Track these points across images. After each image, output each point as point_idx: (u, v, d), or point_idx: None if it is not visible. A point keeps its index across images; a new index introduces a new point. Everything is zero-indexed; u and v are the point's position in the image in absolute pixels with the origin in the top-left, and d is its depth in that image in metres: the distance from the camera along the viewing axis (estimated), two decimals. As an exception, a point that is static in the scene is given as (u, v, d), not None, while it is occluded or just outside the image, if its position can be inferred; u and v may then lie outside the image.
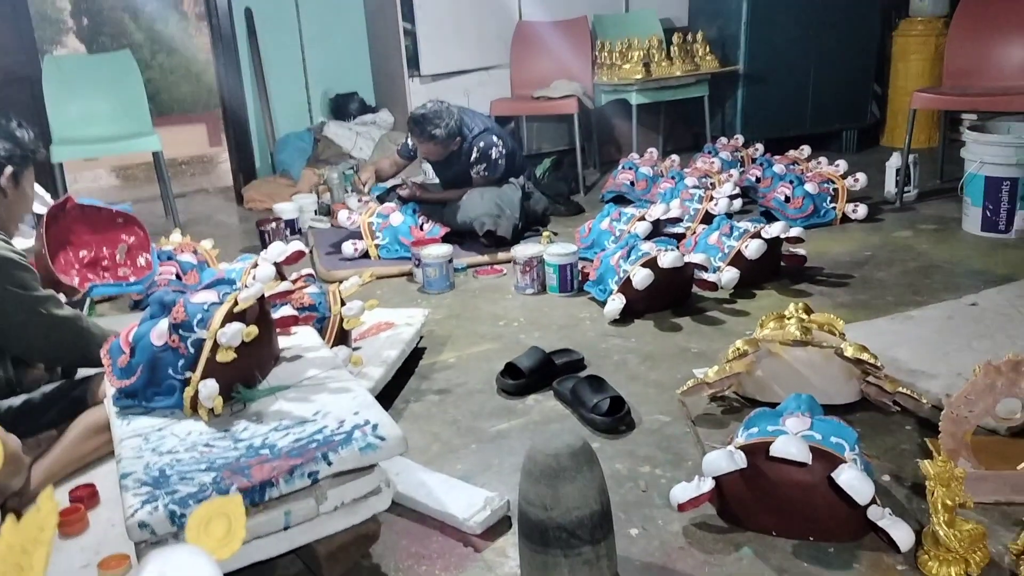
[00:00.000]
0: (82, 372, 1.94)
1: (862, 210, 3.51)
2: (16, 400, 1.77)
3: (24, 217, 2.04)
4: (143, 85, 4.26)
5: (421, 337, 2.56)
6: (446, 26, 4.65)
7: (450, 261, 3.11)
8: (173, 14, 10.43)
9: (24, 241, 2.54)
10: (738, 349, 2.00)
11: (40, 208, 2.58)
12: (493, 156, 3.55)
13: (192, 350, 1.55)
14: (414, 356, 2.47)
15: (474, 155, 3.56)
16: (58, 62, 4.44)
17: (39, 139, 1.98)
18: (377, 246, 3.42)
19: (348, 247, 3.42)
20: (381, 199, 3.75)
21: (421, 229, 3.41)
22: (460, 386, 2.30)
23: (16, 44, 4.55)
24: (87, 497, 1.63)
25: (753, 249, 2.77)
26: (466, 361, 2.47)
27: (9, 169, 1.86)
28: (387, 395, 2.22)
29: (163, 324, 1.58)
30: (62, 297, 2.26)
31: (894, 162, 3.78)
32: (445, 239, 3.34)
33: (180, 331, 1.55)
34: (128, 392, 1.57)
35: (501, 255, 3.33)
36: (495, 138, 3.58)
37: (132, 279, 2.67)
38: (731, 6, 4.66)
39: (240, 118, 4.97)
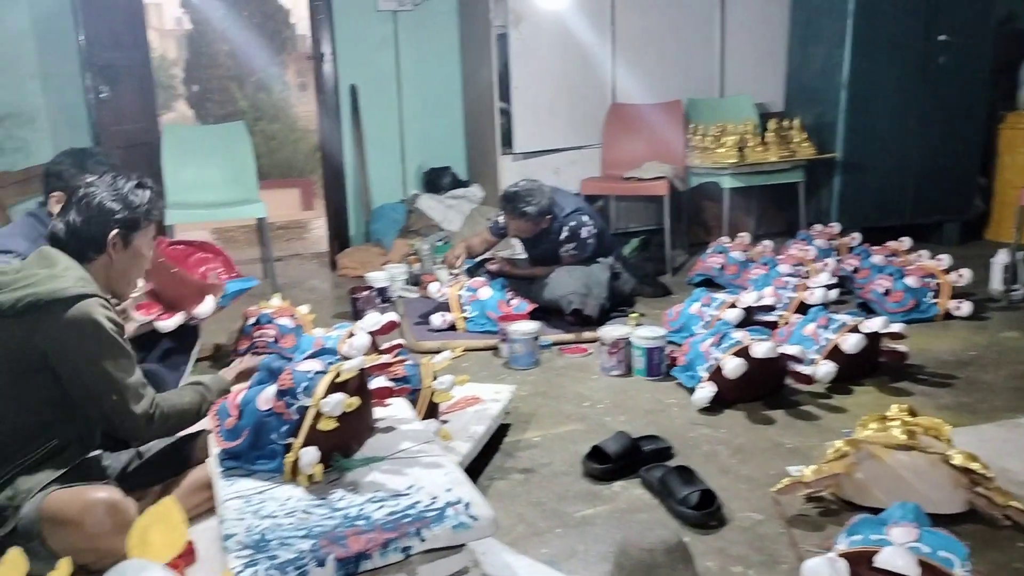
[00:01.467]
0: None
1: (966, 307, 3.39)
2: (124, 455, 1.84)
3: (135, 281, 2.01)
4: (253, 155, 4.49)
5: (508, 413, 2.56)
6: (540, 106, 4.78)
7: (536, 338, 3.12)
8: (277, 84, 11.05)
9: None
10: (838, 449, 1.94)
11: None
12: (583, 236, 3.59)
13: (296, 416, 1.60)
14: (499, 432, 2.47)
15: (564, 234, 3.60)
16: (176, 130, 4.74)
17: (159, 197, 1.92)
18: (465, 319, 3.47)
19: (437, 318, 3.48)
20: (471, 272, 3.81)
21: (509, 304, 3.45)
22: (545, 466, 2.28)
23: (140, 112, 4.88)
24: (185, 554, 1.66)
25: (852, 343, 2.69)
26: (551, 441, 2.45)
27: (115, 231, 1.80)
28: (472, 471, 2.21)
29: (270, 390, 1.63)
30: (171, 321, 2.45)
31: (1001, 258, 3.65)
32: (532, 315, 3.37)
33: (286, 397, 1.60)
34: (233, 454, 1.62)
35: (587, 334, 3.33)
36: (586, 218, 3.62)
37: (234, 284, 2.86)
38: (829, 94, 4.65)
39: (338, 187, 5.17)
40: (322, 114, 5.14)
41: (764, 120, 4.69)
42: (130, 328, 2.41)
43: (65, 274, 1.68)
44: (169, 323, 2.60)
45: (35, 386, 1.64)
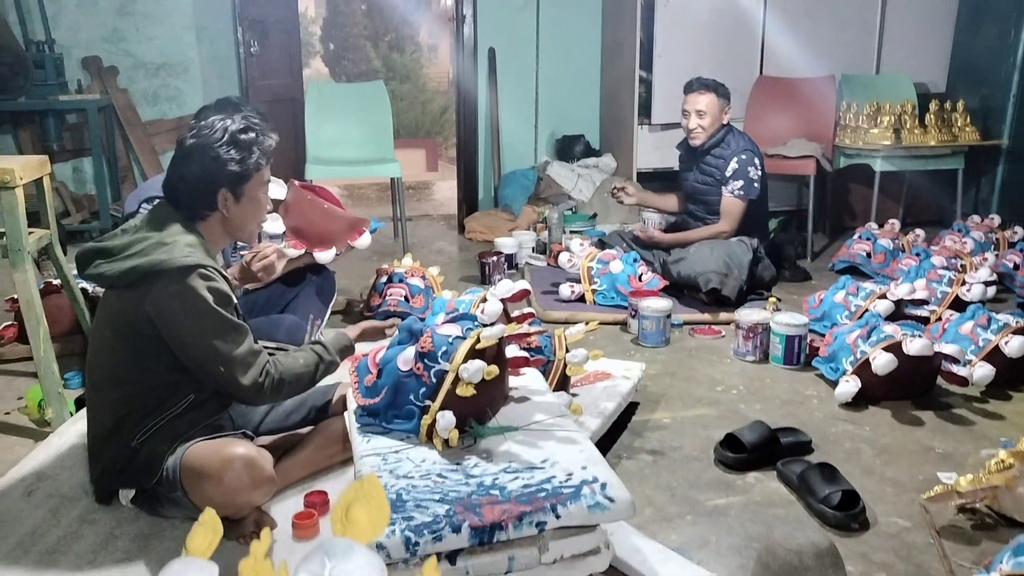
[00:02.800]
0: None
1: None
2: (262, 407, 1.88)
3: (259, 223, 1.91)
4: (391, 115, 4.55)
5: (636, 391, 2.50)
6: (683, 76, 4.57)
7: (668, 316, 3.03)
8: (410, 44, 11.16)
9: (275, 189, 2.69)
10: (1002, 461, 1.78)
11: (281, 193, 2.73)
12: (751, 175, 3.48)
13: (434, 380, 1.59)
14: (628, 410, 2.41)
15: (732, 166, 3.49)
16: (319, 87, 4.84)
17: (266, 137, 1.78)
18: (594, 291, 3.41)
19: (565, 289, 3.43)
20: (602, 243, 3.74)
21: (640, 279, 3.36)
22: (675, 450, 2.22)
23: (286, 68, 5.02)
24: (320, 504, 1.70)
25: (1015, 346, 2.48)
26: (681, 423, 2.38)
27: (223, 189, 1.73)
28: (600, 447, 2.16)
29: (410, 351, 1.63)
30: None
31: None
32: (663, 292, 3.27)
33: (425, 360, 1.60)
34: (370, 411, 1.63)
35: (723, 316, 3.21)
36: (757, 160, 3.51)
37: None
38: (999, 75, 4.30)
39: (471, 150, 5.18)
40: (460, 75, 5.14)
41: (923, 101, 4.37)
42: (280, 265, 2.46)
43: (171, 240, 1.64)
44: (327, 255, 2.67)
45: (156, 351, 1.64)
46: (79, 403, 2.27)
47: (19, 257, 2.24)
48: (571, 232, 4.22)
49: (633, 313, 3.10)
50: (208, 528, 1.12)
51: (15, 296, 2.79)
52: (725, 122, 3.58)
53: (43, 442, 2.09)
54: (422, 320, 1.86)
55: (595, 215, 4.64)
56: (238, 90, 4.65)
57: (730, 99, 3.60)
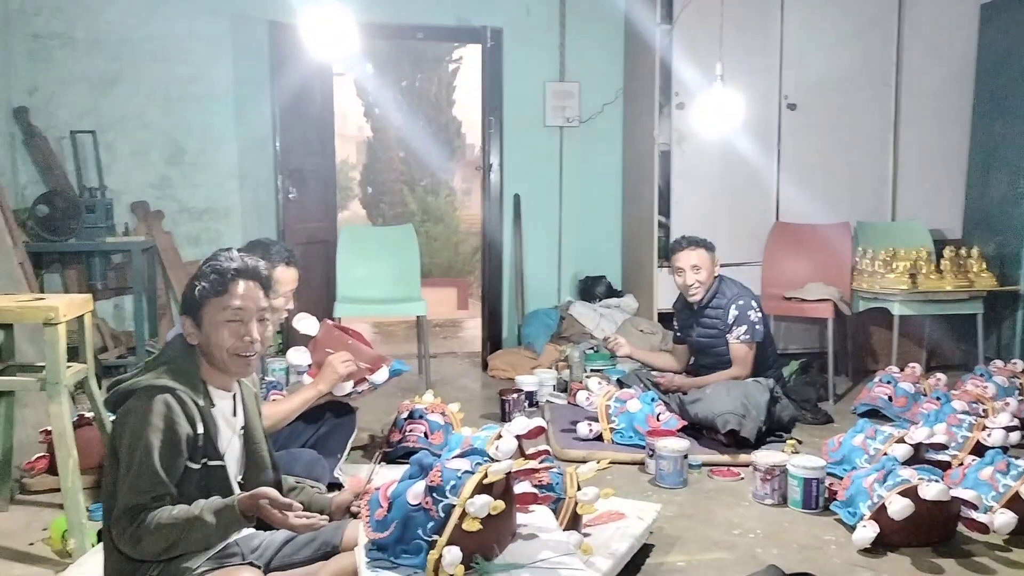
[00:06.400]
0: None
1: None
2: (278, 536, 1.91)
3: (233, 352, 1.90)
4: (419, 257, 4.74)
5: (651, 533, 2.49)
6: (701, 221, 4.77)
7: (686, 456, 3.04)
8: (444, 188, 11.67)
9: (308, 325, 2.86)
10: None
11: (314, 329, 2.88)
12: (752, 319, 3.55)
13: (442, 514, 1.63)
14: (642, 552, 2.39)
15: (733, 314, 3.57)
16: (352, 231, 5.09)
17: (226, 262, 1.87)
18: (612, 430, 3.43)
19: (583, 428, 3.46)
20: (621, 383, 3.79)
21: (658, 419, 3.38)
22: (688, 594, 2.19)
23: (322, 212, 5.30)
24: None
25: (1036, 493, 2.45)
26: (696, 567, 2.35)
27: (184, 318, 1.84)
28: (612, 590, 2.15)
29: (420, 485, 1.68)
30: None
31: None
32: (683, 431, 3.29)
33: (434, 494, 1.64)
34: (380, 545, 1.66)
35: (741, 457, 3.20)
36: (754, 303, 3.60)
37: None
38: (1013, 223, 4.40)
39: (496, 290, 5.34)
40: (486, 220, 5.37)
41: (939, 247, 4.47)
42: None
43: (159, 366, 1.78)
44: (343, 388, 2.75)
45: None
46: (100, 535, 2.31)
47: (56, 390, 2.35)
48: (592, 371, 4.27)
49: (651, 453, 3.11)
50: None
51: (49, 428, 2.89)
52: (716, 274, 3.70)
53: (62, 573, 2.12)
54: (437, 456, 1.91)
55: (616, 354, 4.70)
56: (275, 232, 4.89)
57: (715, 252, 3.73)
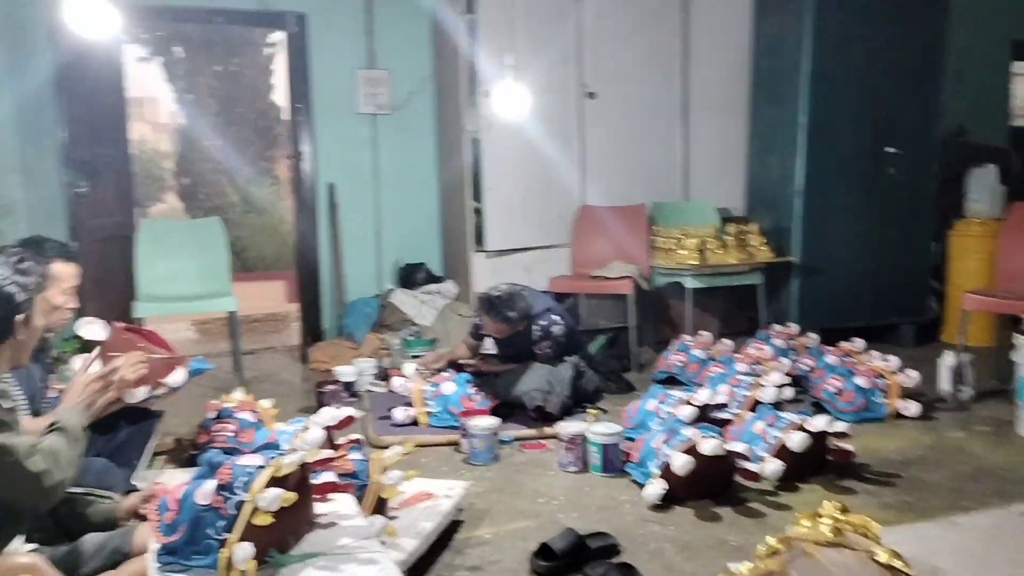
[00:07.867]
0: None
1: (914, 408, 3.47)
2: (62, 548, 1.84)
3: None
4: (228, 250, 4.58)
5: (461, 510, 2.59)
6: (512, 206, 4.94)
7: (496, 433, 3.16)
8: (267, 179, 11.29)
9: (93, 330, 2.66)
10: (771, 547, 1.97)
11: (101, 334, 2.71)
12: (555, 333, 3.70)
13: (233, 511, 1.63)
14: (451, 529, 2.49)
15: (537, 333, 3.70)
16: (152, 224, 4.86)
17: (39, 265, 2.02)
18: (427, 414, 3.51)
19: (399, 413, 3.51)
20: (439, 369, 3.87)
21: (472, 400, 3.50)
22: (493, 564, 2.30)
23: (118, 206, 4.98)
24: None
25: (796, 441, 2.76)
26: (502, 538, 2.47)
27: (21, 317, 1.83)
28: (420, 567, 2.23)
29: (209, 484, 1.67)
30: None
31: (948, 360, 3.75)
32: (497, 411, 3.42)
33: (225, 492, 1.64)
34: (169, 549, 1.64)
35: (548, 430, 3.38)
36: (556, 317, 3.74)
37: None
38: (785, 201, 4.86)
39: (313, 282, 5.28)
40: (298, 210, 5.28)
41: (726, 223, 4.86)
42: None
43: None
44: (137, 394, 2.57)
45: None
46: None
47: None
48: (412, 357, 4.33)
49: (464, 433, 3.21)
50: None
51: None
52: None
53: None
54: (230, 455, 1.90)
55: (435, 340, 4.78)
56: (65, 230, 4.57)
57: (527, 313, 3.72)
